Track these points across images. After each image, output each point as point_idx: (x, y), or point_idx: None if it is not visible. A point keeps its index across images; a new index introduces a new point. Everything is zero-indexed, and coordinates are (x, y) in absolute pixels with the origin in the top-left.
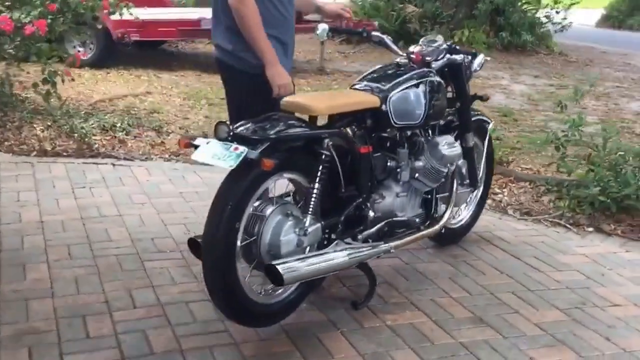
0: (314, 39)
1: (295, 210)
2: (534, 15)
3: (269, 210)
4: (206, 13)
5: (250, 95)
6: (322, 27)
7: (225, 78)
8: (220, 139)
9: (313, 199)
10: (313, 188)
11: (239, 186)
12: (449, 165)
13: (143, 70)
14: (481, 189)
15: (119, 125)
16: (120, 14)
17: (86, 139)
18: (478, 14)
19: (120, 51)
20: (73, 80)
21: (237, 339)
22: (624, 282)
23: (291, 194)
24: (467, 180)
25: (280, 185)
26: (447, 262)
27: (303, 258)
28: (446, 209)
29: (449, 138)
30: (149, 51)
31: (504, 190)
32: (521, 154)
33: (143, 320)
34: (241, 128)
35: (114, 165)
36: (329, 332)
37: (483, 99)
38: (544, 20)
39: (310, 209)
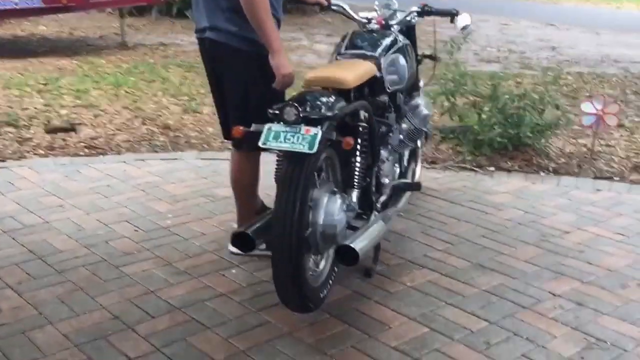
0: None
1: (334, 188)
2: None
3: (317, 190)
4: None
5: (258, 79)
6: None
7: (224, 62)
8: (288, 122)
9: (357, 173)
10: (355, 162)
11: (305, 168)
12: (427, 124)
13: None
14: None
15: None
16: None
17: None
18: None
19: None
20: None
21: (285, 328)
22: (555, 211)
23: None
24: None
25: None
26: (407, 218)
27: (361, 233)
28: (416, 164)
29: (425, 98)
30: None
31: None
32: None
33: (174, 329)
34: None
35: None
36: (365, 304)
37: (436, 59)
38: None
39: (356, 184)
